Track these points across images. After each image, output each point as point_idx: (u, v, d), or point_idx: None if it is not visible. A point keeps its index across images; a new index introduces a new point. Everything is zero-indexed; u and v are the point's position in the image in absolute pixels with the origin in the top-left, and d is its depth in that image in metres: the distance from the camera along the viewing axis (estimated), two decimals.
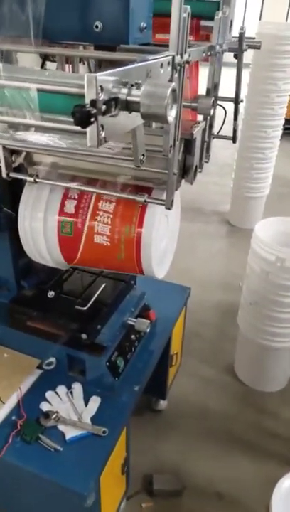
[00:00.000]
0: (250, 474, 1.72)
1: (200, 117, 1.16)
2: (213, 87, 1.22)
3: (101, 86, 0.55)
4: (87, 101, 0.55)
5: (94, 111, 0.55)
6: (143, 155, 0.88)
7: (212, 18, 1.10)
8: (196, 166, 1.13)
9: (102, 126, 0.58)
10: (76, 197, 1.13)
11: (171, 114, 0.64)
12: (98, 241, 1.12)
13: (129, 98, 0.61)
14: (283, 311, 1.84)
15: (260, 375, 2.09)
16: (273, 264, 1.76)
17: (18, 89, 0.64)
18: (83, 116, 0.53)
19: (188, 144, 1.06)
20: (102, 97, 0.56)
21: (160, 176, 1.01)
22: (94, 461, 1.09)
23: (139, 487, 1.63)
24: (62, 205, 1.13)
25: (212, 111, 1.09)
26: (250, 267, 1.91)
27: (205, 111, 1.07)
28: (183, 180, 1.13)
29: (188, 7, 0.80)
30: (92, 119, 0.55)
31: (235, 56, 1.23)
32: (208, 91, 1.21)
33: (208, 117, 1.18)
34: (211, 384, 2.13)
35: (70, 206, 1.12)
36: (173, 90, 0.64)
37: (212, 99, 1.08)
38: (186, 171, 1.10)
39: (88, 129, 0.56)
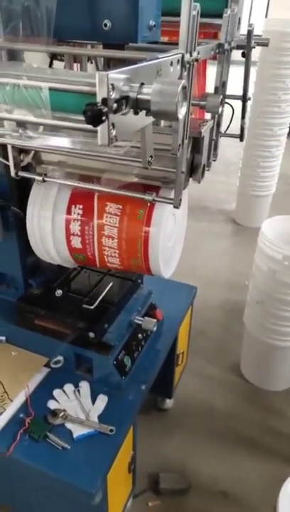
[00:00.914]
0: (255, 473, 1.71)
1: (207, 115, 1.16)
2: (221, 85, 1.21)
3: (112, 84, 0.55)
4: (99, 99, 0.55)
5: (105, 109, 0.55)
6: (152, 156, 0.88)
7: (220, 16, 1.10)
8: (204, 165, 1.13)
9: (113, 124, 0.58)
10: (82, 207, 1.14)
11: (181, 112, 0.64)
12: (111, 266, 1.20)
13: (139, 96, 0.61)
14: None
15: (266, 374, 2.09)
16: (280, 263, 1.75)
17: (30, 88, 0.64)
18: (94, 115, 0.54)
19: (196, 143, 1.05)
20: (113, 95, 0.56)
21: (168, 174, 1.01)
22: (102, 460, 1.10)
23: (146, 486, 1.63)
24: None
25: (220, 109, 1.08)
26: (257, 265, 1.90)
27: (213, 109, 1.07)
28: (190, 179, 1.13)
29: (198, 5, 0.80)
30: (104, 118, 0.55)
31: (243, 55, 1.23)
32: (216, 89, 1.21)
33: (216, 116, 1.18)
34: (217, 383, 2.12)
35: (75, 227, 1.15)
36: (184, 88, 0.63)
37: (221, 97, 1.07)
38: (194, 170, 1.10)
39: (99, 128, 0.56)
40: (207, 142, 1.11)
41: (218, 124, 1.25)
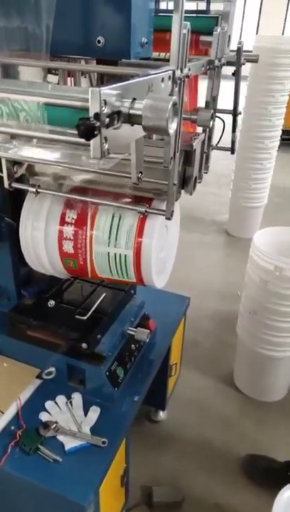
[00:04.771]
0: (250, 485, 1.70)
1: (199, 129, 1.18)
2: (212, 100, 1.24)
3: (104, 100, 0.57)
4: (91, 114, 0.56)
5: (97, 124, 0.56)
6: (141, 172, 0.89)
7: (210, 33, 1.13)
8: (195, 177, 1.15)
9: (106, 138, 0.59)
10: (74, 218, 1.14)
11: (172, 127, 0.66)
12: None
13: (131, 111, 0.63)
14: (282, 320, 1.84)
15: (259, 385, 2.09)
16: (271, 273, 1.77)
17: (25, 102, 0.66)
18: (87, 129, 0.55)
19: (188, 155, 1.07)
20: (106, 110, 0.58)
21: (160, 186, 1.03)
22: (94, 472, 1.09)
23: (139, 499, 1.61)
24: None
25: (211, 123, 1.11)
26: (249, 276, 1.92)
27: (204, 123, 1.09)
28: (182, 191, 1.14)
29: (188, 23, 0.82)
30: (96, 132, 0.56)
31: (233, 74, 1.26)
32: (207, 103, 1.24)
33: (207, 129, 1.20)
34: (210, 393, 2.12)
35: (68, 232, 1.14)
36: (174, 104, 0.65)
37: (211, 111, 1.10)
38: (186, 182, 1.12)
39: (92, 142, 0.58)
40: (198, 155, 1.14)
41: (209, 138, 1.28)
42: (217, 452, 1.83)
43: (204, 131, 1.17)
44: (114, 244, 1.10)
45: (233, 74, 1.23)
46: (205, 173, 1.29)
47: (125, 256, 1.10)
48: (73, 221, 1.13)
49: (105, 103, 0.57)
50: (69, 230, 1.13)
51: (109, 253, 1.12)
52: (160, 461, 1.77)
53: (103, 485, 1.09)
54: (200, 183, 1.21)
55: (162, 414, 1.93)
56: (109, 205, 1.08)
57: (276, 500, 1.14)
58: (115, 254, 1.11)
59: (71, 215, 1.13)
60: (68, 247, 1.15)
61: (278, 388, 2.09)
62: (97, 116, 0.56)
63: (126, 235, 1.09)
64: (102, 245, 1.11)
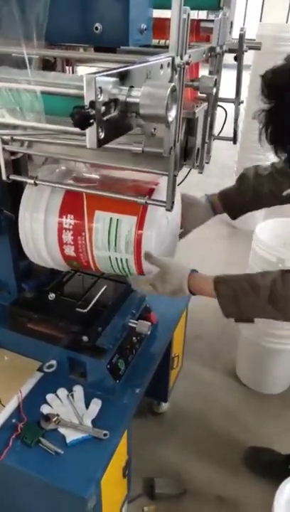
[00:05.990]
0: (251, 478, 1.71)
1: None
2: None
3: (100, 87, 0.55)
4: (86, 102, 0.55)
5: (93, 112, 0.54)
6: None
7: (213, 9, 1.09)
8: (199, 149, 1.09)
9: (102, 127, 0.57)
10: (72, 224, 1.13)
11: (171, 115, 0.64)
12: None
13: (128, 99, 0.61)
14: None
15: (262, 377, 2.08)
16: (274, 266, 1.75)
17: (20, 91, 0.64)
18: (82, 118, 0.53)
19: (190, 124, 1.02)
20: (102, 98, 0.56)
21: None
22: (95, 464, 1.09)
23: (141, 490, 1.62)
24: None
25: (214, 90, 1.04)
26: (251, 268, 1.91)
27: (206, 90, 1.02)
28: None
29: (188, 8, 0.79)
30: (92, 121, 0.54)
31: (235, 59, 1.23)
32: None
33: (209, 118, 1.17)
34: (213, 386, 2.12)
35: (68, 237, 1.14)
36: (173, 90, 0.63)
37: (215, 77, 1.03)
38: (188, 154, 1.07)
39: (87, 131, 0.56)
40: (201, 124, 1.08)
41: (211, 127, 1.25)
42: (219, 444, 1.84)
43: (207, 100, 1.10)
44: (114, 249, 1.11)
45: (235, 58, 1.19)
46: (207, 163, 1.27)
47: (126, 260, 1.12)
48: (71, 227, 1.12)
49: (101, 91, 0.55)
50: (68, 224, 1.12)
51: (110, 257, 1.13)
52: (162, 453, 1.78)
53: (105, 477, 1.09)
54: (201, 173, 1.19)
55: (164, 406, 1.93)
56: (109, 197, 1.06)
57: (278, 493, 1.14)
58: (116, 258, 1.12)
59: (68, 222, 1.12)
60: (70, 251, 1.15)
61: (280, 381, 2.09)
62: (92, 104, 0.54)
63: (125, 240, 1.08)
64: (103, 251, 1.12)
